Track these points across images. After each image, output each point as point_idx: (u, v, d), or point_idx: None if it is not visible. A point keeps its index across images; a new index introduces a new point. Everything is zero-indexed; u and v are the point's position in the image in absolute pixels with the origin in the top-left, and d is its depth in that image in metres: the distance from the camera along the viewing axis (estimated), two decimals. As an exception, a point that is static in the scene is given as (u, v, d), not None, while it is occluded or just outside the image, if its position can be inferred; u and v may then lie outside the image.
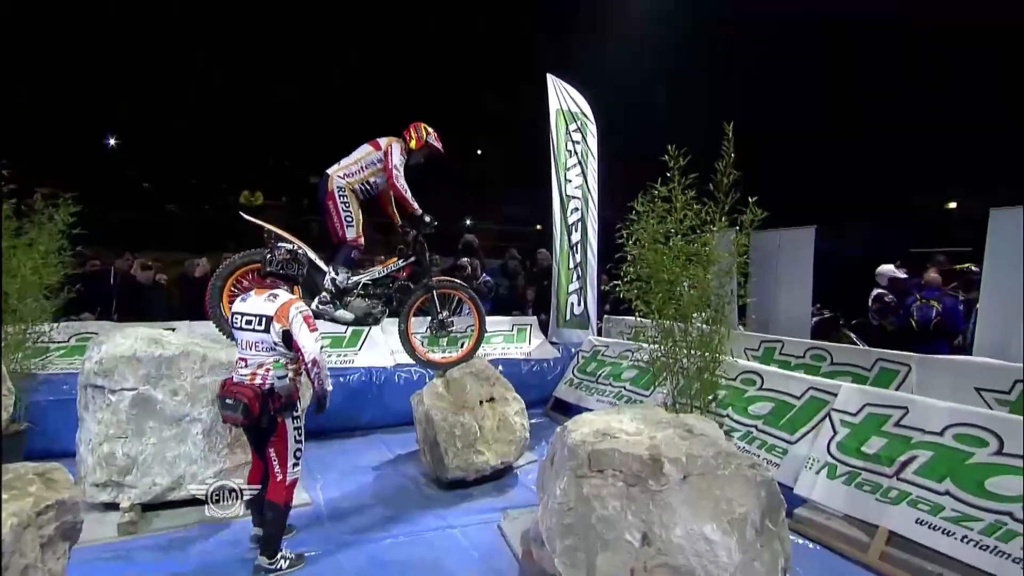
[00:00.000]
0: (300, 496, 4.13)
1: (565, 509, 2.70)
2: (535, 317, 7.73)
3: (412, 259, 4.77)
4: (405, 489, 4.53)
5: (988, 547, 2.98)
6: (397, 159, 4.54)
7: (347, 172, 4.50)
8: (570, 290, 7.54)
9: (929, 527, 3.22)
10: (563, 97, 7.62)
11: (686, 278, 4.32)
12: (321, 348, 3.17)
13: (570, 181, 7.57)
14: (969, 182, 12.43)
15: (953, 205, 15.44)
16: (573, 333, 7.54)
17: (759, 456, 4.25)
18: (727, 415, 4.69)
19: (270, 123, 16.84)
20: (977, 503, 3.13)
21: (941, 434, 3.46)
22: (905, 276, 6.68)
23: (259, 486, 3.38)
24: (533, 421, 5.49)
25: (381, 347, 6.39)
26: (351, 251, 4.53)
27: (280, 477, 3.22)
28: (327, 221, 4.53)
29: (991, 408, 4.11)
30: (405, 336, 4.88)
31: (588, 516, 2.60)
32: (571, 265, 7.54)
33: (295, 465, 3.26)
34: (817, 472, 3.90)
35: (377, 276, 4.72)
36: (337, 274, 4.50)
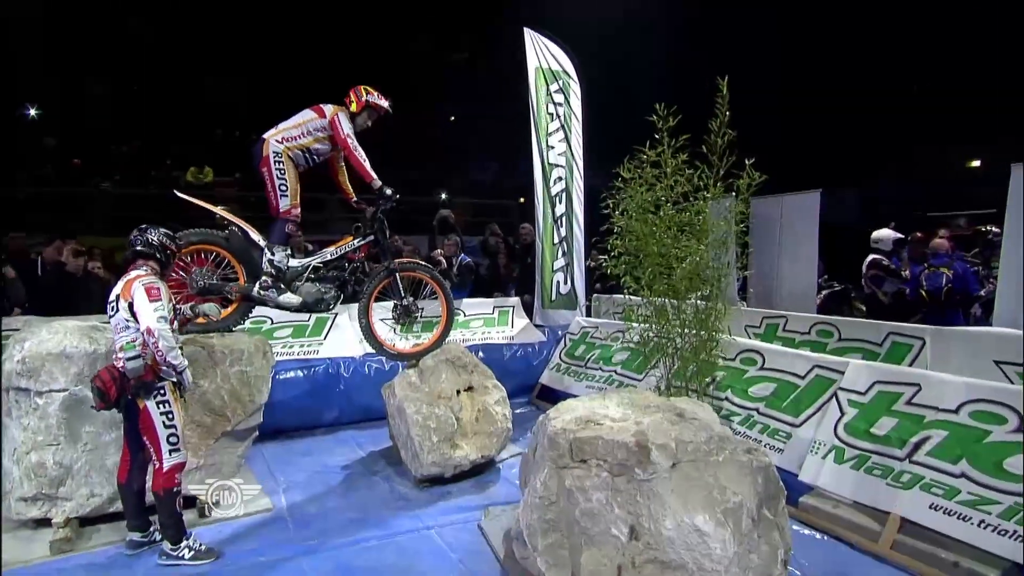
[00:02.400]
0: (259, 502, 4.14)
1: (546, 503, 2.72)
2: (518, 298, 7.73)
3: (370, 238, 4.70)
4: (376, 489, 4.54)
5: (1007, 532, 3.03)
6: (347, 127, 4.49)
7: (285, 136, 4.44)
8: (555, 267, 7.54)
9: (944, 512, 3.28)
10: (543, 54, 7.53)
11: (679, 250, 4.35)
12: (162, 317, 3.23)
13: (552, 147, 7.52)
14: (995, 137, 12.48)
15: (977, 163, 15.55)
16: (559, 314, 7.55)
17: (760, 441, 4.30)
18: (726, 398, 4.75)
19: (218, 88, 16.47)
20: (995, 485, 3.18)
21: (956, 412, 3.51)
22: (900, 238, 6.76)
23: (124, 482, 3.50)
24: (517, 411, 5.52)
25: (348, 335, 6.36)
26: (285, 224, 4.46)
27: (158, 464, 3.35)
28: (265, 192, 4.49)
29: (1012, 382, 4.16)
30: (368, 330, 4.84)
31: (571, 510, 2.63)
32: (556, 240, 7.53)
33: (173, 450, 3.36)
34: (823, 457, 3.95)
35: (330, 258, 4.67)
36: (274, 254, 4.44)
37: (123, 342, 3.30)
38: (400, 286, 4.82)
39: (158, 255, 3.49)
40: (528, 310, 7.64)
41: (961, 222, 7.21)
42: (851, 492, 3.74)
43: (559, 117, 7.55)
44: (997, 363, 4.34)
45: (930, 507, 3.33)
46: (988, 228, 6.73)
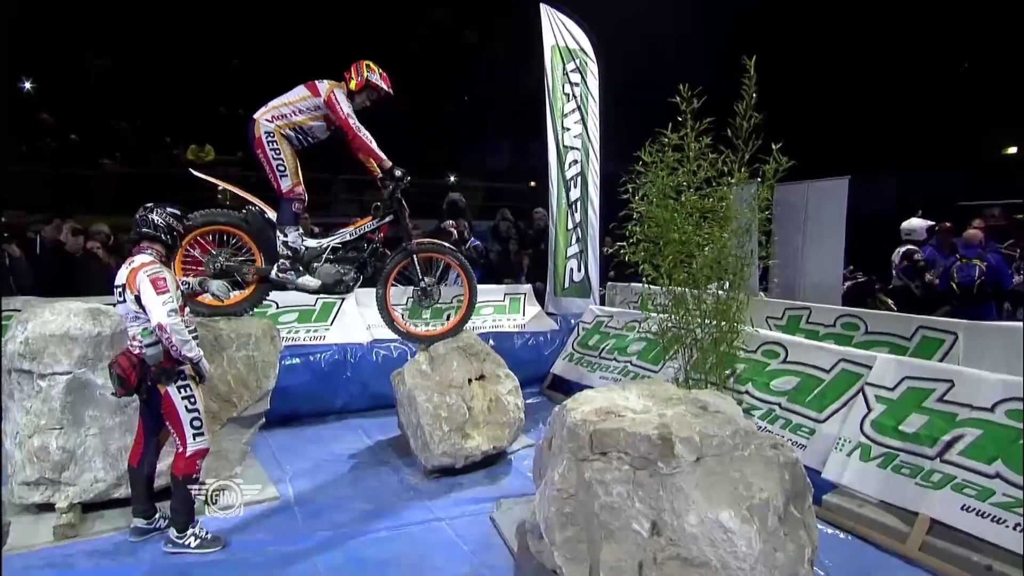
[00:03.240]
0: (266, 490, 4.18)
1: (565, 496, 2.73)
2: (530, 285, 7.72)
3: (388, 218, 4.69)
4: (386, 478, 4.57)
5: (1043, 536, 3.01)
6: (346, 106, 4.41)
7: (276, 115, 4.39)
8: (569, 254, 7.51)
9: (977, 514, 3.26)
10: (560, 31, 7.46)
11: (700, 238, 4.32)
12: (172, 310, 3.23)
13: (568, 129, 7.47)
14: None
15: (1014, 150, 15.33)
16: (572, 302, 7.55)
17: (783, 437, 4.29)
18: (746, 391, 4.74)
19: (222, 63, 16.42)
20: (1031, 487, 3.16)
21: (991, 410, 3.48)
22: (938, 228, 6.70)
23: (135, 465, 3.54)
24: (528, 401, 5.53)
25: (356, 321, 6.38)
26: (291, 204, 4.44)
27: (181, 449, 3.39)
28: (264, 174, 4.47)
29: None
30: (383, 304, 4.87)
31: (591, 503, 2.63)
32: (570, 226, 7.50)
33: (198, 434, 3.40)
34: (848, 454, 3.94)
35: (348, 238, 4.66)
36: (287, 235, 4.44)
37: (137, 330, 3.32)
38: (418, 268, 4.82)
39: (164, 237, 3.47)
40: (540, 298, 7.64)
41: (995, 211, 7.11)
42: (877, 491, 3.73)
43: (575, 98, 7.49)
44: (1035, 360, 4.29)
45: (962, 508, 3.31)
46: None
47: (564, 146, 7.44)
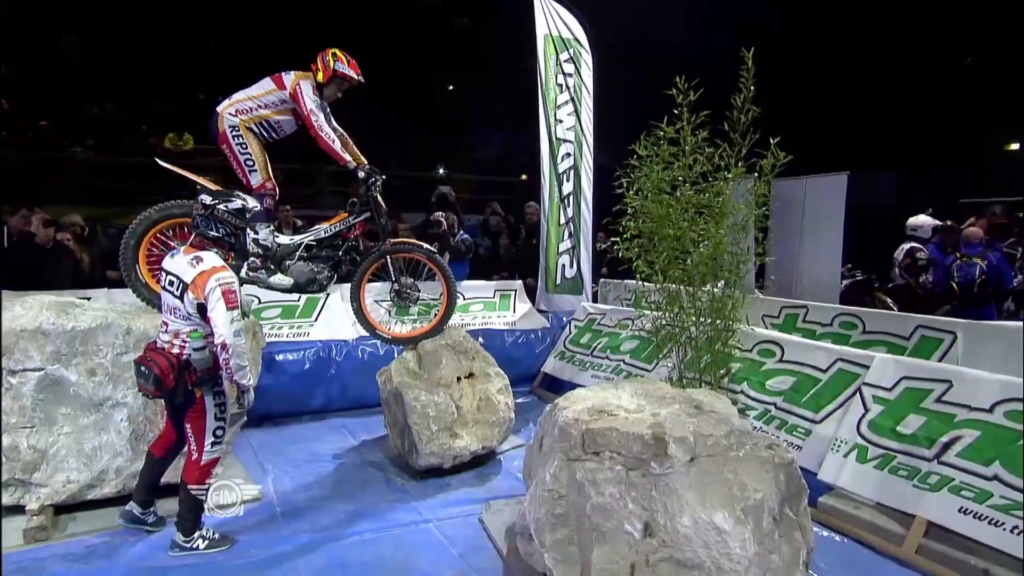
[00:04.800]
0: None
1: (556, 497, 2.75)
2: (520, 282, 7.74)
3: (365, 215, 4.67)
4: (371, 479, 4.58)
5: (1043, 539, 3.06)
6: (311, 102, 4.34)
7: (239, 108, 4.36)
8: (561, 249, 7.54)
9: (974, 516, 3.30)
10: (553, 20, 7.47)
11: (695, 234, 4.35)
12: (239, 330, 3.23)
13: (561, 121, 7.49)
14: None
15: (1016, 146, 15.48)
16: (564, 299, 7.57)
17: (778, 437, 4.33)
18: (741, 391, 4.78)
19: (202, 47, 16.24)
20: (1030, 489, 3.22)
21: (990, 411, 3.53)
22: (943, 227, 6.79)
23: (159, 456, 3.55)
24: (519, 400, 5.54)
25: (341, 317, 6.37)
26: (262, 200, 4.39)
27: (196, 456, 3.38)
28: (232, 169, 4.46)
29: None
30: (360, 313, 4.91)
31: (582, 504, 2.66)
32: (562, 220, 7.52)
33: (215, 444, 3.40)
34: (845, 455, 3.99)
35: (323, 235, 4.64)
36: (257, 232, 4.39)
37: (187, 330, 3.28)
38: (392, 268, 4.82)
39: (226, 238, 3.43)
40: (531, 294, 7.65)
41: (996, 209, 7.21)
42: (874, 493, 3.78)
43: (568, 89, 7.51)
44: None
45: (959, 511, 3.35)
46: None
47: (557, 139, 7.46)
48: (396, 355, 5.11)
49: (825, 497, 3.99)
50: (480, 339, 5.76)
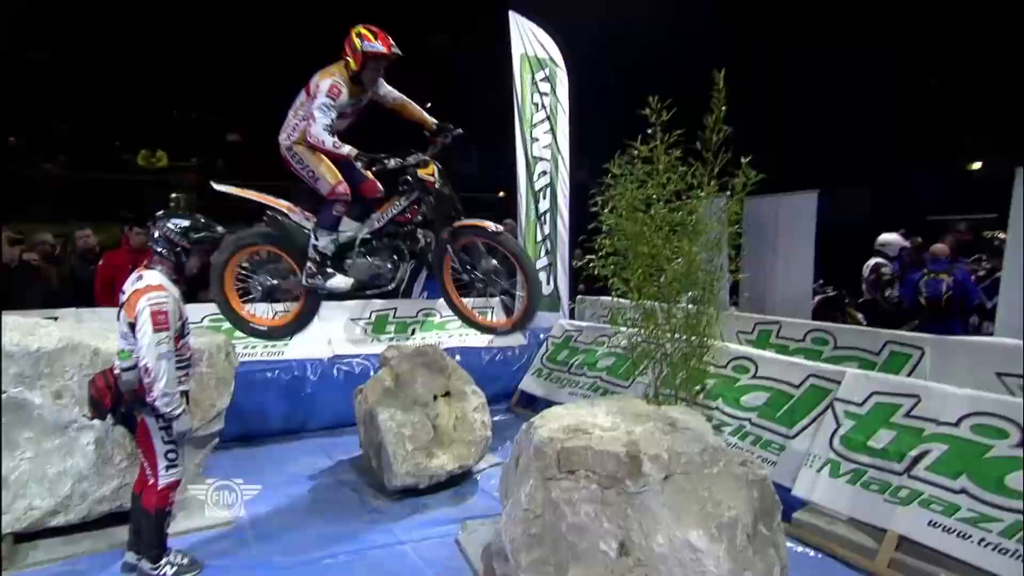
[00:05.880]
0: (218, 514, 4.09)
1: (531, 517, 2.73)
2: (498, 298, 7.72)
3: (414, 196, 4.39)
4: (346, 500, 4.52)
5: (1008, 550, 3.12)
6: (318, 102, 4.14)
7: (288, 132, 4.35)
8: (538, 267, 7.55)
9: (943, 529, 3.36)
10: (529, 40, 7.56)
11: (669, 251, 4.39)
12: (162, 355, 3.09)
13: (537, 139, 7.55)
14: (998, 137, 12.78)
15: (978, 165, 15.91)
16: (541, 316, 7.57)
17: (753, 453, 4.37)
18: (716, 407, 4.81)
19: (176, 61, 16.13)
20: (996, 502, 3.27)
21: (957, 425, 3.60)
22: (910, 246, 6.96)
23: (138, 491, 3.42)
24: (496, 418, 5.50)
25: (316, 336, 6.31)
26: (332, 206, 4.32)
27: (152, 480, 3.28)
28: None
29: (1013, 395, 4.27)
30: (455, 309, 4.78)
31: (558, 524, 2.65)
32: (539, 238, 7.56)
33: (170, 467, 3.29)
34: (818, 470, 4.03)
35: (377, 225, 4.45)
36: (318, 239, 4.33)
37: (118, 348, 3.23)
38: (458, 259, 4.44)
39: (165, 252, 3.32)
40: (508, 311, 7.64)
41: (961, 226, 7.42)
42: (847, 508, 3.82)
43: (545, 107, 7.59)
44: (999, 375, 4.47)
45: (929, 524, 3.41)
46: (994, 235, 6.94)
47: (533, 156, 7.52)
48: (372, 373, 5.07)
49: (800, 512, 4.02)
50: (457, 356, 5.76)
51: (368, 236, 4.43)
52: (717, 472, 2.67)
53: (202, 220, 3.46)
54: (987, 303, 6.24)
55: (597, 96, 9.45)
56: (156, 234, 3.33)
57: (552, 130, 7.62)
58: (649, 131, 4.35)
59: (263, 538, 3.90)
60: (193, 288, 5.87)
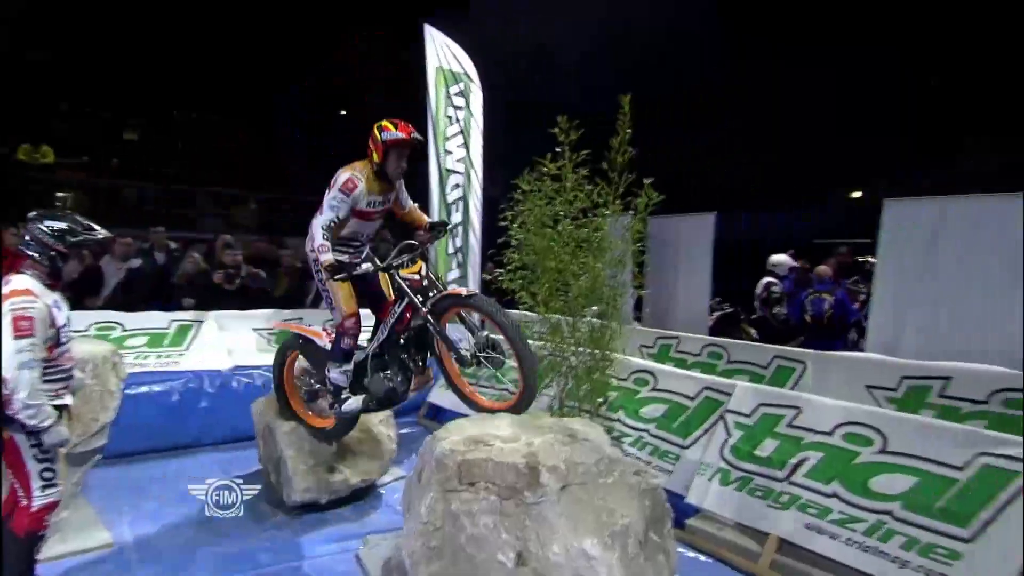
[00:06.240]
0: (96, 536, 3.84)
1: (431, 530, 2.73)
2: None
3: (407, 299, 3.86)
4: (242, 518, 4.28)
5: (870, 548, 3.40)
6: (329, 195, 3.80)
7: (310, 238, 3.88)
8: (449, 279, 7.57)
9: (817, 531, 3.62)
10: (444, 54, 7.59)
11: (576, 267, 4.52)
12: (23, 364, 2.83)
13: (451, 152, 7.58)
14: (875, 171, 13.99)
15: (858, 194, 17.25)
16: (451, 328, 7.57)
17: (651, 463, 4.54)
18: (618, 419, 4.96)
19: (66, 51, 15.10)
20: (861, 503, 3.55)
21: (831, 434, 3.88)
22: (798, 266, 7.46)
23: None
24: (403, 431, 5.46)
25: (215, 346, 6.07)
26: (340, 339, 3.97)
27: (26, 502, 2.99)
28: None
29: (880, 406, 4.68)
30: (456, 390, 4.15)
31: (457, 536, 2.65)
32: (451, 250, 7.57)
33: (47, 487, 3.01)
34: (710, 479, 4.24)
35: (383, 337, 4.01)
36: (329, 372, 4.03)
37: None
38: (446, 341, 3.95)
39: (37, 256, 3.03)
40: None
41: (843, 250, 8.02)
42: (735, 513, 4.03)
43: (459, 121, 7.63)
44: (868, 387, 4.87)
45: (805, 526, 3.66)
46: (867, 259, 7.54)
47: (446, 169, 7.54)
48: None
49: (692, 519, 4.21)
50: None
51: (377, 350, 4.03)
52: (612, 482, 2.76)
53: (82, 222, 3.23)
54: (864, 321, 6.76)
55: (510, 112, 9.60)
56: (27, 237, 3.07)
57: (466, 143, 7.67)
58: (558, 149, 4.49)
59: (148, 561, 3.69)
60: (79, 295, 5.55)
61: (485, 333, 3.91)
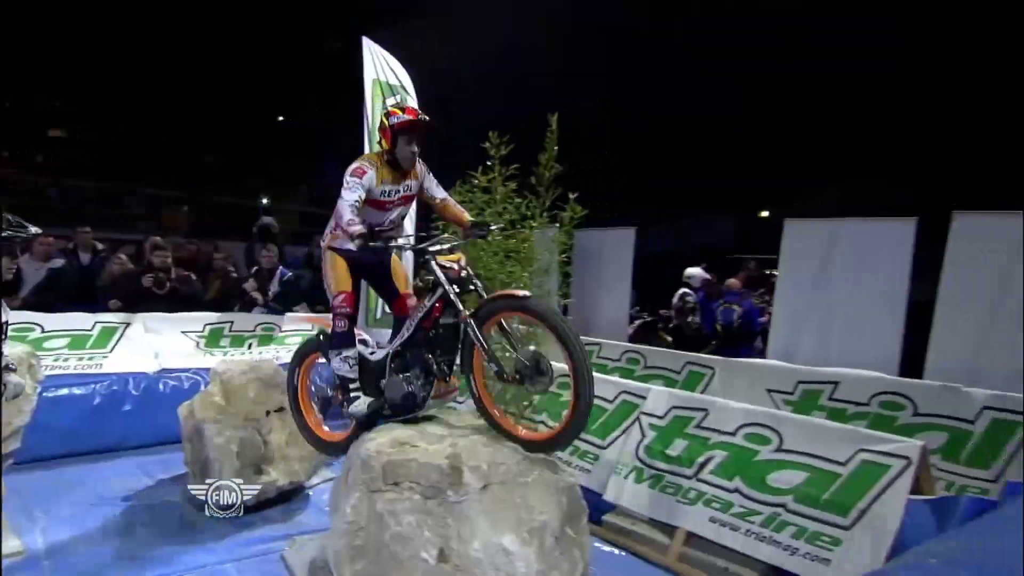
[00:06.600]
0: (8, 543, 3.59)
1: (355, 529, 2.71)
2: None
3: (439, 292, 3.26)
4: (164, 521, 4.15)
5: (765, 538, 3.59)
6: (344, 182, 3.42)
7: (327, 231, 3.64)
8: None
9: (720, 524, 3.79)
10: (381, 66, 7.51)
11: (504, 276, 4.57)
12: None
13: (387, 162, 7.50)
14: (783, 192, 14.76)
15: (766, 213, 18.14)
16: (384, 334, 7.47)
17: (571, 463, 4.62)
18: (542, 421, 5.03)
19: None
20: (759, 497, 3.75)
21: (734, 434, 4.07)
22: (710, 279, 7.77)
23: None
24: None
25: (141, 347, 5.80)
26: (335, 322, 3.52)
27: None
28: None
29: (778, 408, 4.94)
30: (487, 415, 3.30)
31: (381, 535, 2.64)
32: (385, 257, 7.48)
33: None
34: (625, 477, 4.36)
35: (407, 335, 3.46)
36: (329, 361, 3.62)
37: None
38: (480, 339, 3.13)
39: None
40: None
41: (751, 264, 8.41)
42: (647, 509, 4.16)
43: (394, 132, 7.56)
44: (768, 391, 5.13)
45: (710, 520, 3.82)
46: (773, 273, 7.92)
47: (382, 178, 7.45)
48: (202, 388, 4.75)
49: (608, 515, 4.30)
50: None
51: (399, 348, 3.49)
52: (532, 480, 2.81)
53: (9, 218, 3.05)
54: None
55: (443, 126, 9.61)
56: None
57: (401, 154, 7.60)
58: (489, 163, 4.54)
59: (64, 569, 3.48)
60: (-5, 293, 5.19)
61: (532, 347, 3.27)
